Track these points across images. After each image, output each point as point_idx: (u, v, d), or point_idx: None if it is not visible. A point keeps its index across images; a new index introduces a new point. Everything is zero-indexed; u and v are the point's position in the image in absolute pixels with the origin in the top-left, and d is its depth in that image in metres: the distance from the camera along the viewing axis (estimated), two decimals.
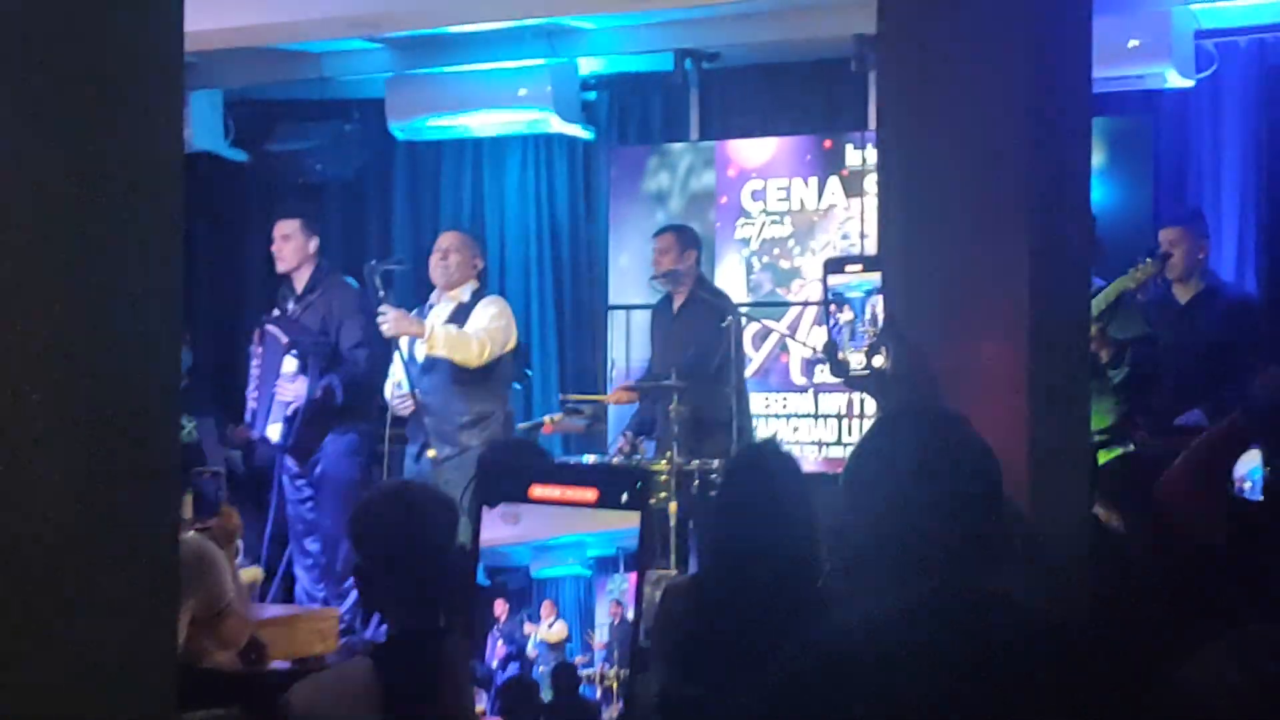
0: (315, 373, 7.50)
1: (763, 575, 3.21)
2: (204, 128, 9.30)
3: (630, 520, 1.54)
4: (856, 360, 3.18)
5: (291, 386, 7.51)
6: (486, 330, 7.25)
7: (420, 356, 7.34)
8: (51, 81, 2.20)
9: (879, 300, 3.21)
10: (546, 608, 1.78)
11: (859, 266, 3.28)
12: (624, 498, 1.53)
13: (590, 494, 1.55)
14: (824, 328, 3.33)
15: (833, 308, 3.24)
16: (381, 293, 7.21)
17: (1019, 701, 1.10)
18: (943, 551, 1.99)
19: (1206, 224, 7.43)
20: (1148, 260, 6.61)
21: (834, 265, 3.31)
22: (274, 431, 7.59)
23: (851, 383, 3.28)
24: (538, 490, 1.56)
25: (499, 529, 1.59)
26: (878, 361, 3.14)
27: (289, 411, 7.53)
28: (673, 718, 2.87)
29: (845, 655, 1.18)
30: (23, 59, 2.17)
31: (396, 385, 7.36)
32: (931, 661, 1.12)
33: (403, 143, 9.58)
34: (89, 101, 2.24)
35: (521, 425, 8.11)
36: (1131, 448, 6.09)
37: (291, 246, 7.73)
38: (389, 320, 7.14)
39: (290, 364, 7.53)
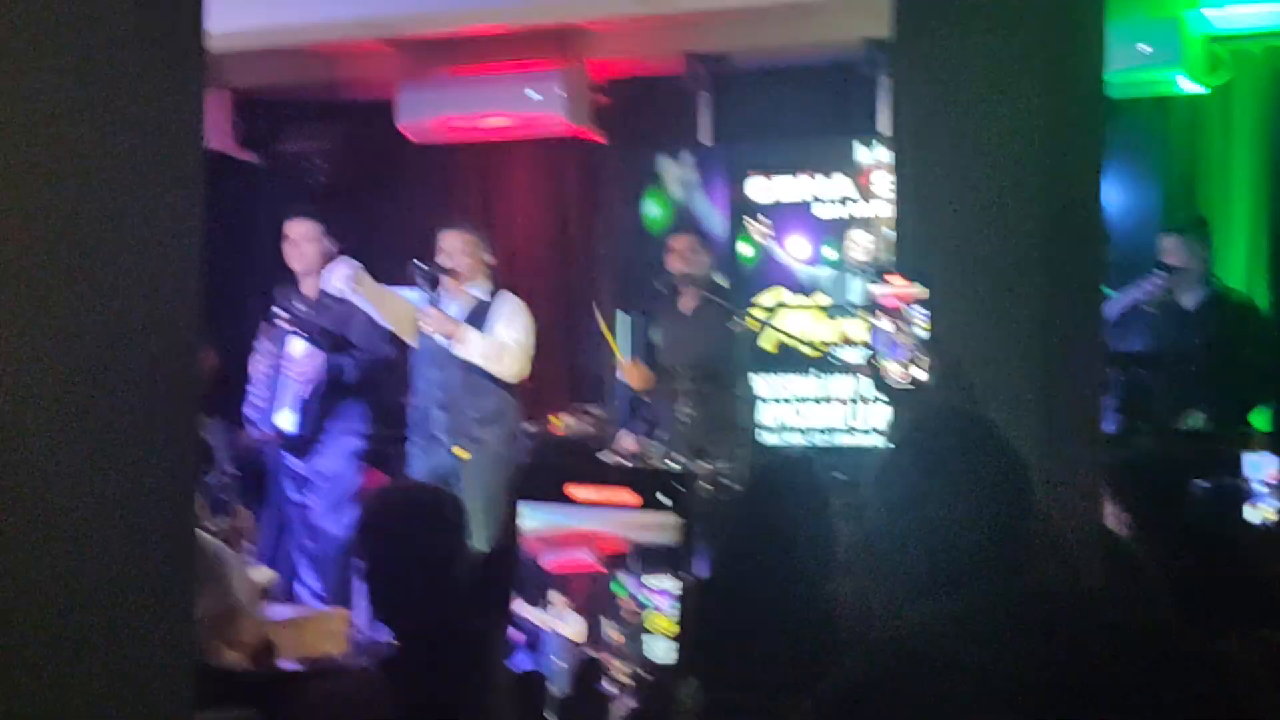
0: (326, 348, 7.41)
1: (781, 580, 3.21)
2: (214, 128, 9.31)
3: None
4: (892, 372, 3.18)
5: (307, 364, 7.40)
6: (520, 344, 7.33)
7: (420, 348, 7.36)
8: (71, 80, 2.20)
9: (922, 312, 3.20)
10: (558, 599, 1.78)
11: (903, 278, 3.27)
12: (664, 500, 1.54)
13: (629, 495, 1.55)
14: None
15: (876, 318, 3.24)
16: (425, 292, 7.24)
17: (1071, 701, 1.11)
18: (986, 553, 2.01)
19: (1209, 230, 7.45)
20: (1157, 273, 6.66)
21: (879, 276, 3.31)
22: (284, 420, 7.48)
23: (891, 395, 3.28)
24: (575, 491, 1.57)
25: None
26: (920, 375, 3.14)
27: (305, 393, 7.41)
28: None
29: (897, 657, 1.18)
30: (41, 57, 2.18)
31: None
32: (983, 659, 1.12)
33: (413, 145, 9.60)
34: (109, 100, 2.24)
35: (528, 425, 8.11)
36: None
37: (314, 249, 7.64)
38: (430, 319, 7.18)
39: (298, 345, 7.45)
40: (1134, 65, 7.46)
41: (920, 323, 3.20)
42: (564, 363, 9.65)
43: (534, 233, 9.74)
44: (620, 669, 1.78)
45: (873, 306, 3.26)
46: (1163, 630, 1.14)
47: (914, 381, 3.16)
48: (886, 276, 3.27)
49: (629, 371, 7.86)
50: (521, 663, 1.80)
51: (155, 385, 2.29)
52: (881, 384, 3.22)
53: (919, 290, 3.21)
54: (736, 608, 3.17)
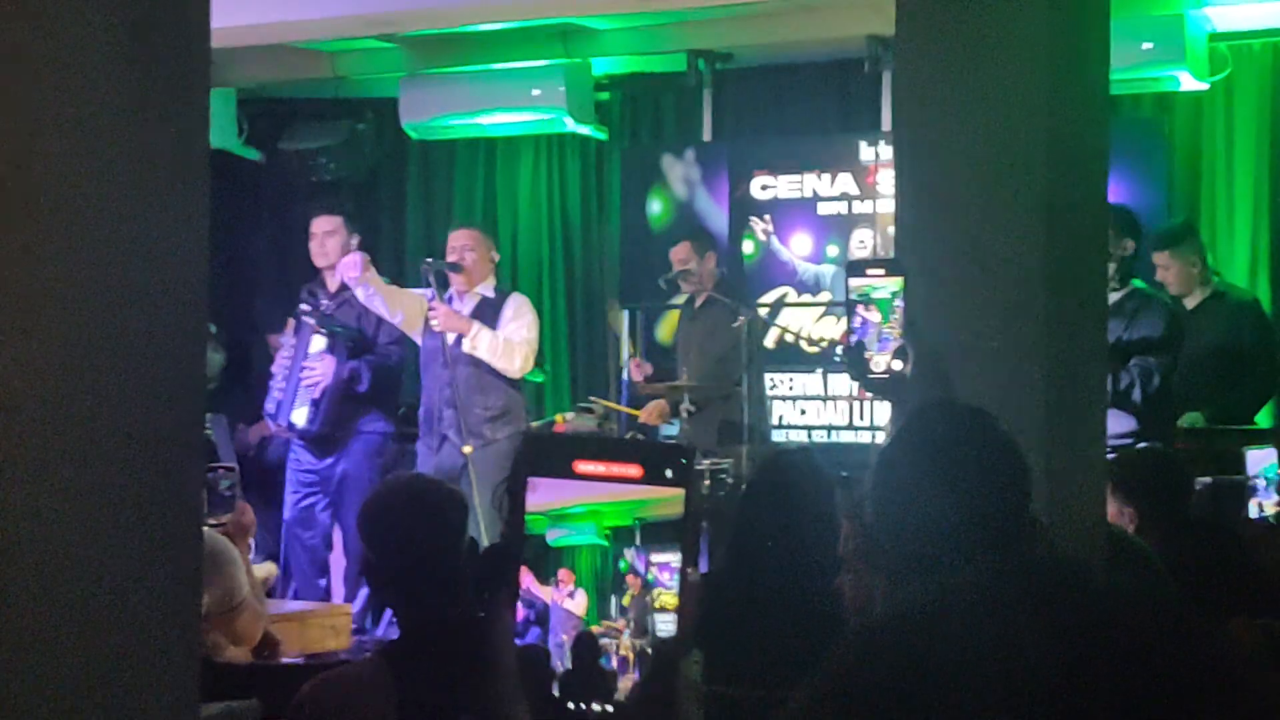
0: (343, 353, 7.46)
1: (784, 575, 3.22)
2: (217, 126, 9.30)
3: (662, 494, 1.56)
4: (877, 363, 3.18)
5: (319, 365, 7.47)
6: (528, 342, 7.39)
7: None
8: (75, 81, 2.21)
9: (901, 303, 3.20)
10: (564, 575, 1.79)
11: (881, 269, 3.28)
12: (669, 474, 1.55)
13: (635, 469, 1.56)
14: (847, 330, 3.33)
15: (856, 309, 3.24)
16: (434, 289, 7.25)
17: (1066, 686, 1.11)
18: (986, 538, 2.03)
19: (1198, 236, 7.46)
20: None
21: (856, 268, 3.31)
22: (299, 416, 7.52)
23: (870, 386, 3.28)
24: (582, 466, 1.57)
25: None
26: (898, 365, 3.14)
27: (316, 394, 7.46)
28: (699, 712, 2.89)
29: (893, 643, 1.18)
30: (44, 58, 2.18)
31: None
32: (981, 644, 1.13)
33: (416, 142, 9.60)
34: (114, 99, 2.25)
35: (534, 423, 8.12)
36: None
37: (335, 242, 7.68)
38: (439, 316, 7.22)
39: (319, 343, 7.50)
40: (1136, 62, 7.45)
41: (900, 314, 3.20)
42: (569, 360, 9.66)
43: (538, 231, 9.75)
44: (624, 643, 1.78)
45: (854, 298, 3.26)
46: (1163, 623, 1.14)
47: (892, 372, 3.16)
48: (869, 269, 3.27)
49: (649, 413, 7.85)
50: (526, 638, 1.80)
51: (160, 383, 2.30)
52: (858, 372, 3.22)
53: (896, 282, 3.21)
54: (737, 594, 3.19)
